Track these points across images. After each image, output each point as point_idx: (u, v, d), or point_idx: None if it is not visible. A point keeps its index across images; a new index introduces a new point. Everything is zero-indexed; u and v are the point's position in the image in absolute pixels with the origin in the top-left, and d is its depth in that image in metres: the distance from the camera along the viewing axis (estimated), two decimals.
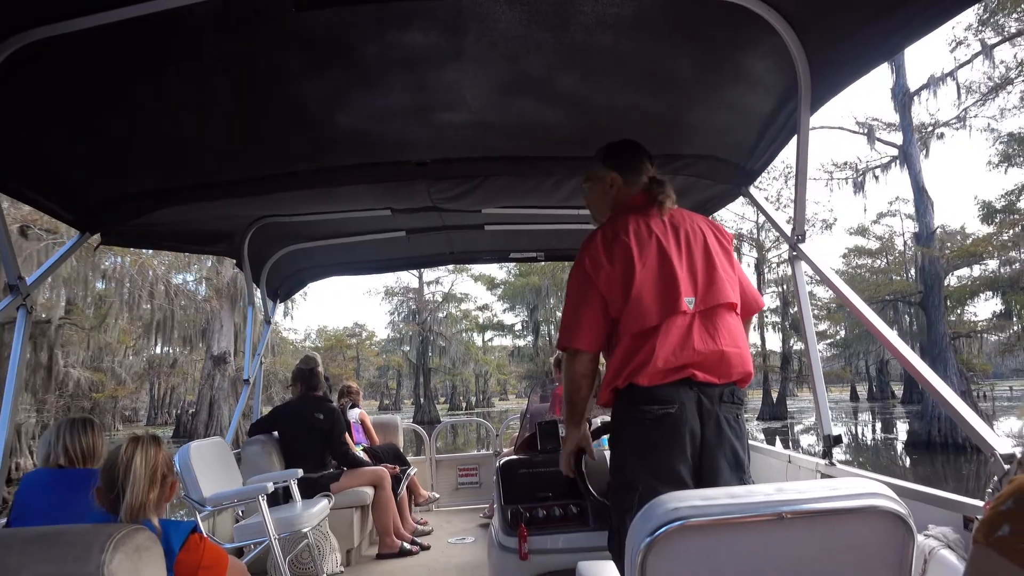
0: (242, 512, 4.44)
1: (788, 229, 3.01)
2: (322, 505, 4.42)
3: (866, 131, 26.14)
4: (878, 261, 38.94)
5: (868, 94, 57.68)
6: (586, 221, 4.80)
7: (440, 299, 48.03)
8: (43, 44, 2.14)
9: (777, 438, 25.47)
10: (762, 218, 30.58)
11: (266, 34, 2.32)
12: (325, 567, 4.42)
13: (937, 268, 23.73)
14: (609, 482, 2.59)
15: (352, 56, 2.47)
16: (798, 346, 38.00)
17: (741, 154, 3.35)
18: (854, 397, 49.24)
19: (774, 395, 34.34)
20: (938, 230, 24.70)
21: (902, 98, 23.29)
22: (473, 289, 59.11)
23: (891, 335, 2.39)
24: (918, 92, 23.64)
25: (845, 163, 29.19)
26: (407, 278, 47.00)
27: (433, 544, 5.21)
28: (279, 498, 4.51)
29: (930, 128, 26.07)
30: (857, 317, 2.55)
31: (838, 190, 31.86)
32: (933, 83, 23.49)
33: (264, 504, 3.85)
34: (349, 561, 4.81)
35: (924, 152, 25.05)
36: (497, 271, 47.02)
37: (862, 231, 38.13)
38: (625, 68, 2.67)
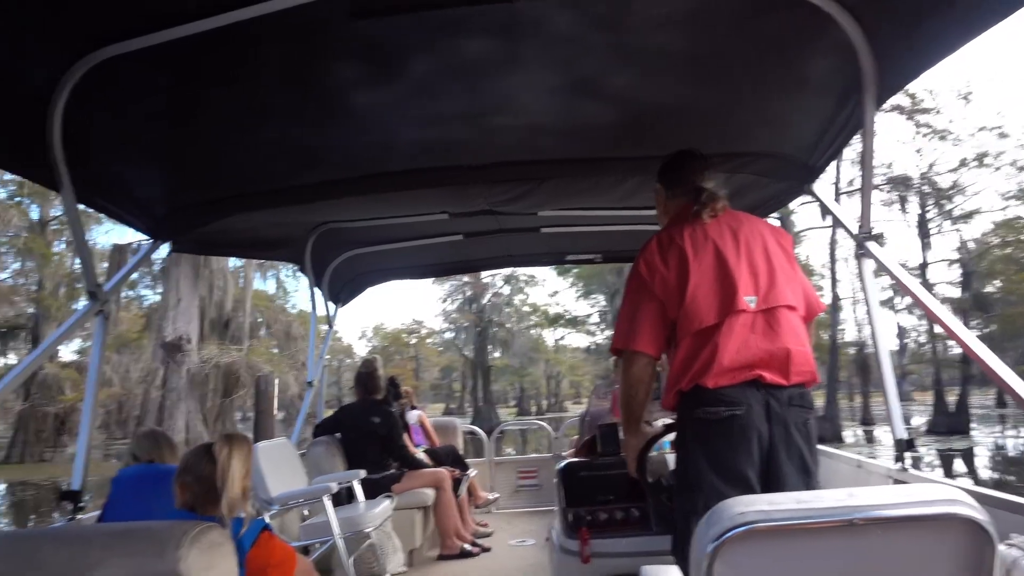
0: (307, 512, 4.54)
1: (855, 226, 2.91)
2: (384, 505, 4.48)
3: None
4: None
5: None
6: (644, 222, 4.75)
7: (501, 283, 41.86)
8: (114, 61, 2.25)
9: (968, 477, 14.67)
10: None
11: (324, 43, 2.37)
12: (389, 567, 4.49)
13: None
14: (671, 485, 2.54)
15: (408, 63, 2.51)
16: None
17: (803, 151, 3.24)
18: (1000, 403, 32.74)
19: (949, 399, 25.23)
20: None
21: None
22: (540, 272, 45.86)
23: (969, 337, 2.27)
24: None
25: None
26: None
27: (494, 546, 5.22)
28: (342, 498, 4.60)
29: None
30: (930, 317, 2.44)
31: None
32: None
33: (329, 504, 3.93)
34: (411, 562, 4.87)
35: None
36: None
37: None
38: (680, 66, 2.62)
